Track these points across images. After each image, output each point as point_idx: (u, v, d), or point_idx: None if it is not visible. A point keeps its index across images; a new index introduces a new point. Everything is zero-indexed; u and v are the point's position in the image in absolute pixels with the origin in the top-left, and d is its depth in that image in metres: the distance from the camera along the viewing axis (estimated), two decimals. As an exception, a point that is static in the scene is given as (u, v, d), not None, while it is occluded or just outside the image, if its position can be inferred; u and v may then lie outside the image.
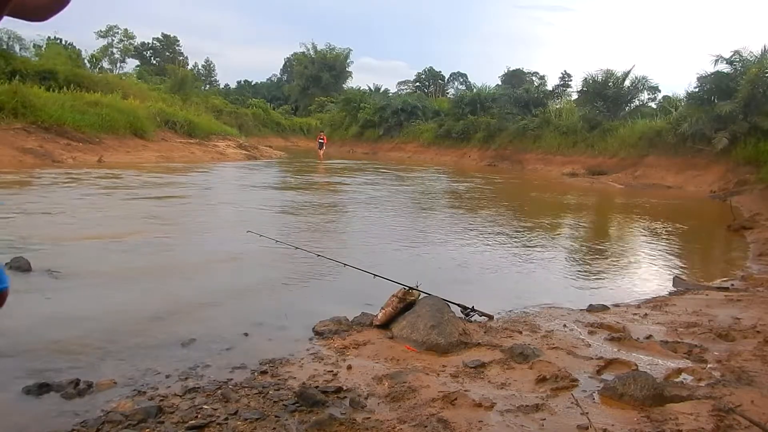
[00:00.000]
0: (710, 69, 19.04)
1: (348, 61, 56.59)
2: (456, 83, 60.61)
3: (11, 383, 2.38)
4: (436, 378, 2.60)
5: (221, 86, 63.26)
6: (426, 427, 2.08)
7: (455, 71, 64.07)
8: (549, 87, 33.47)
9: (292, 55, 62.39)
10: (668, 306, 4.21)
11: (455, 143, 30.88)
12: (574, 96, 29.11)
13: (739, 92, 17.22)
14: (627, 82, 24.76)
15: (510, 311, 3.96)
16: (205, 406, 2.21)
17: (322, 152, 24.25)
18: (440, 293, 3.56)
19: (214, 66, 64.42)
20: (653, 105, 25.46)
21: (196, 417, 2.12)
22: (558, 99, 30.35)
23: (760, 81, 17.09)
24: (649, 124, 21.39)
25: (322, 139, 25.52)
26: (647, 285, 5.23)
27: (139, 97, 23.67)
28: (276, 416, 2.16)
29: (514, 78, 46.38)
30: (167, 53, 59.17)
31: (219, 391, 2.36)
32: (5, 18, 1.11)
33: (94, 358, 2.73)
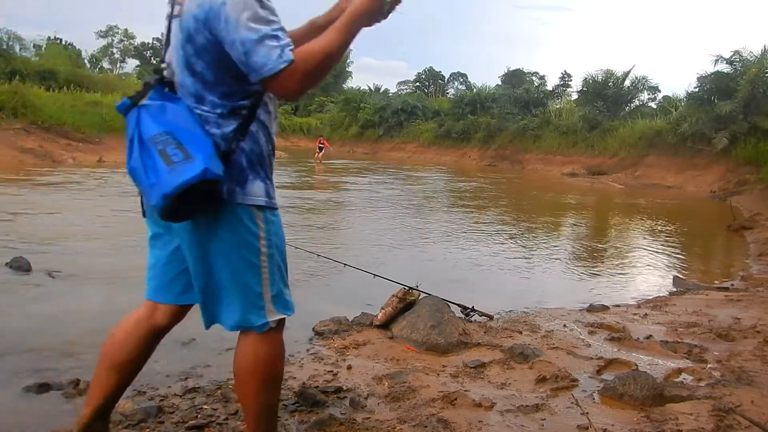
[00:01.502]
0: (710, 69, 19.10)
1: (348, 61, 56.58)
2: (456, 83, 60.62)
3: (11, 383, 2.38)
4: (436, 378, 2.60)
5: (221, 86, 63.20)
6: (426, 427, 2.08)
7: (455, 71, 64.15)
8: (549, 87, 33.52)
9: (292, 55, 62.25)
10: (668, 306, 4.21)
11: (455, 143, 30.89)
12: (574, 96, 29.17)
13: (739, 92, 17.23)
14: (627, 82, 24.80)
15: (510, 311, 3.96)
16: (205, 406, 2.20)
17: (320, 154, 24.02)
18: (440, 293, 3.56)
19: (214, 66, 64.35)
20: (653, 105, 25.51)
21: (196, 417, 2.12)
22: (558, 99, 30.40)
23: (760, 81, 17.11)
24: (649, 124, 21.41)
25: (323, 143, 24.85)
26: (647, 285, 5.23)
27: (140, 97, 23.63)
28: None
29: (514, 78, 46.37)
30: (167, 53, 59.13)
31: (219, 391, 2.35)
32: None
33: (94, 358, 2.71)
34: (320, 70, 1.37)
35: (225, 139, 1.41)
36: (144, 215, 1.63)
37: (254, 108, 1.45)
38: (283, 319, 1.58)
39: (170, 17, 1.48)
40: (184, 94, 1.44)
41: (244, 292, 1.49)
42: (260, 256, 1.49)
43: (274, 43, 1.31)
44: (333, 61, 1.39)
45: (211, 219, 1.43)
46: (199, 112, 1.42)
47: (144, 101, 1.39)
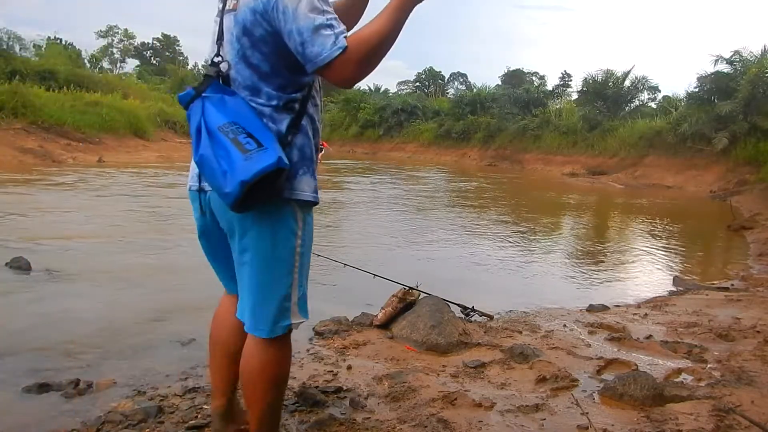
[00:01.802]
0: (710, 69, 19.08)
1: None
2: (456, 83, 60.59)
3: (11, 383, 2.38)
4: (436, 378, 2.60)
5: (221, 86, 63.15)
6: (426, 427, 2.08)
7: (455, 71, 64.15)
8: (549, 87, 33.44)
9: (292, 55, 62.21)
10: (668, 306, 4.21)
11: (455, 143, 30.86)
12: (574, 96, 29.13)
13: (739, 92, 17.22)
14: (627, 82, 24.76)
15: (510, 311, 3.96)
16: (205, 406, 2.20)
17: (320, 155, 24.04)
18: (440, 293, 3.56)
19: (214, 66, 64.21)
20: (653, 105, 25.48)
21: (196, 417, 2.11)
22: (558, 99, 30.32)
23: (760, 81, 17.09)
24: (649, 124, 21.40)
25: (322, 144, 24.99)
26: (647, 285, 5.23)
27: (139, 97, 23.71)
28: (276, 416, 2.15)
29: (514, 78, 46.34)
30: (167, 53, 59.18)
31: (219, 391, 2.35)
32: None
33: (94, 358, 2.73)
34: (375, 54, 1.36)
35: (279, 135, 1.44)
36: (201, 212, 1.63)
37: (305, 101, 1.49)
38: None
39: (222, 12, 1.51)
40: (239, 87, 1.46)
41: (275, 291, 1.50)
42: (294, 255, 1.51)
43: (328, 31, 1.33)
44: (387, 44, 1.38)
45: (257, 214, 1.45)
46: (254, 105, 1.44)
47: (205, 93, 1.42)
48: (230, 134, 1.33)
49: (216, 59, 1.49)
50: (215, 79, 1.45)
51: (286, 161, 1.36)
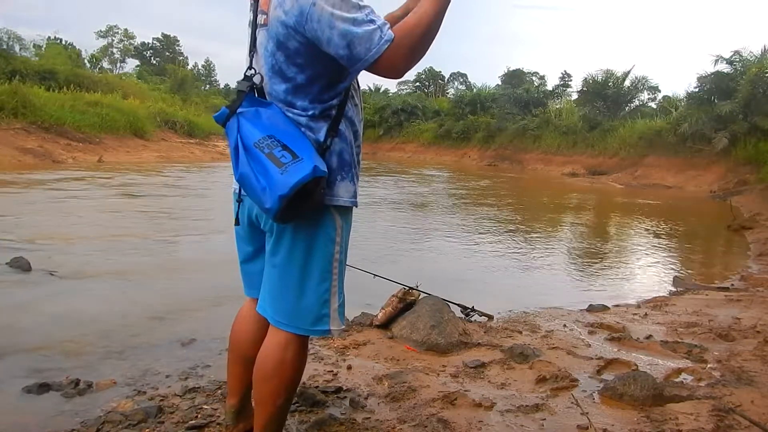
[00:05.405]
0: (710, 69, 19.15)
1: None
2: (456, 83, 60.46)
3: (11, 383, 2.38)
4: (436, 378, 2.60)
5: (221, 86, 63.14)
6: (426, 427, 2.08)
7: (455, 71, 63.94)
8: (549, 87, 33.43)
9: (291, 55, 62.08)
10: (668, 306, 4.21)
11: (455, 143, 30.90)
12: (574, 96, 29.15)
13: (739, 92, 17.25)
14: (627, 82, 24.82)
15: (510, 311, 3.96)
16: (205, 406, 2.20)
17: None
18: (440, 293, 3.56)
19: (214, 66, 64.25)
20: (653, 105, 25.52)
21: (196, 417, 2.11)
22: (558, 99, 30.34)
23: (760, 81, 17.11)
24: (649, 124, 21.43)
25: None
26: (647, 285, 5.23)
27: (139, 97, 23.72)
28: (276, 416, 2.15)
29: (514, 78, 46.18)
30: (167, 53, 59.14)
31: (219, 391, 2.35)
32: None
33: (94, 358, 2.73)
34: (422, 41, 1.34)
35: (317, 143, 1.44)
36: (237, 223, 1.64)
37: (343, 105, 1.47)
38: None
39: (253, 25, 1.49)
40: (275, 99, 1.46)
41: (313, 297, 1.50)
42: (333, 262, 1.50)
43: (371, 27, 1.30)
44: (433, 31, 1.35)
45: (297, 221, 1.44)
46: (290, 115, 1.44)
47: (239, 109, 1.41)
48: (266, 149, 1.33)
49: (248, 72, 1.48)
50: (248, 93, 1.44)
51: (324, 169, 1.36)
